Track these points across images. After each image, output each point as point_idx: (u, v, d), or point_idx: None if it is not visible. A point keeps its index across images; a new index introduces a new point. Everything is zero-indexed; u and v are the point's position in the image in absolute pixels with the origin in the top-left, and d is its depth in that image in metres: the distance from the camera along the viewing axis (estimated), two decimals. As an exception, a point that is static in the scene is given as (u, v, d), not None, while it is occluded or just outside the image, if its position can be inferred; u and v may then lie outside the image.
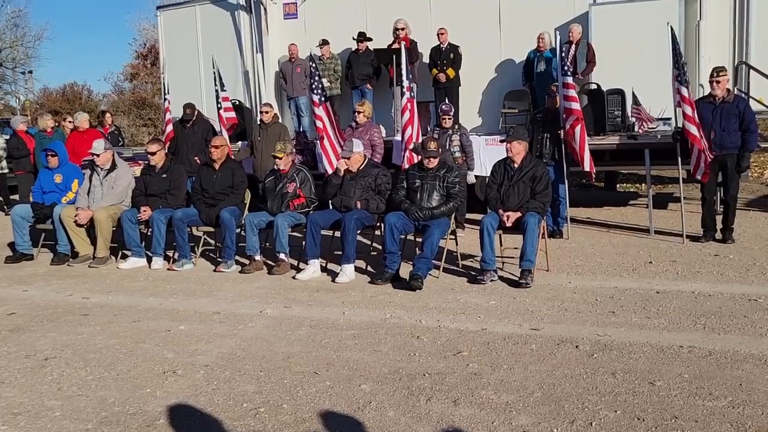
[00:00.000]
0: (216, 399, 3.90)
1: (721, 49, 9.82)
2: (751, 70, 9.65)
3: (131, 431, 3.52)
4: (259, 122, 10.09)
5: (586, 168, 8.13)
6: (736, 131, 7.54)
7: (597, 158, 8.46)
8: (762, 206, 10.40)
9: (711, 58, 9.45)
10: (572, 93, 8.00)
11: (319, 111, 8.98)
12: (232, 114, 10.41)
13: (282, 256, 7.15)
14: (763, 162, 13.26)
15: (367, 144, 8.29)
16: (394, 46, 10.28)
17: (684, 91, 7.57)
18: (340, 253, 6.89)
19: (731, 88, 8.38)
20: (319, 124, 9.04)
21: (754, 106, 8.75)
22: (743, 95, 8.88)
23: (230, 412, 3.72)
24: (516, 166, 6.78)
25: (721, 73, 7.66)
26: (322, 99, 8.94)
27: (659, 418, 3.46)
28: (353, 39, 10.95)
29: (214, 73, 10.26)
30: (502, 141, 7.68)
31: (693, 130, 7.43)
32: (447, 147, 8.37)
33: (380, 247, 6.96)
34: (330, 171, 8.59)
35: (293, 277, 6.88)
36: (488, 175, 7.33)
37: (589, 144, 8.21)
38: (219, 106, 10.05)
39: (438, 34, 10.39)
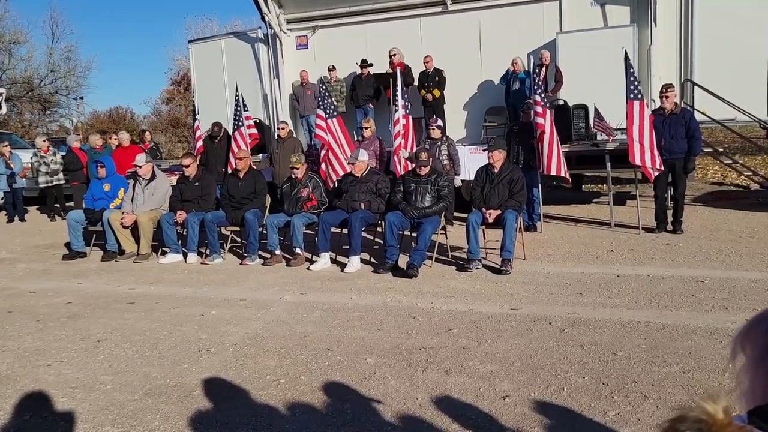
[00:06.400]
0: (243, 372, 3.91)
1: (669, 68, 9.78)
2: (695, 86, 9.63)
3: (171, 401, 3.53)
4: (276, 137, 10.08)
5: (552, 173, 8.03)
6: (683, 138, 7.52)
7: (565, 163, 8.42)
8: (706, 202, 10.35)
9: (661, 77, 9.40)
10: (539, 109, 7.93)
11: (323, 124, 8.75)
12: (254, 131, 10.36)
13: (298, 250, 7.13)
14: (707, 164, 13.21)
15: (372, 154, 8.24)
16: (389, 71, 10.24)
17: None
18: (348, 247, 6.88)
19: (678, 101, 8.35)
20: (322, 134, 8.78)
21: (698, 116, 8.73)
22: (688, 108, 8.83)
23: (255, 383, 3.73)
24: (496, 171, 6.76)
25: (669, 89, 7.65)
26: (334, 114, 8.82)
27: (621, 382, 3.46)
28: (357, 65, 10.91)
29: (238, 96, 10.20)
30: (484, 150, 7.64)
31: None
32: (436, 156, 8.32)
33: (381, 242, 6.93)
34: (335, 177, 8.47)
35: (308, 269, 6.85)
36: (472, 179, 7.30)
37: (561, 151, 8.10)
38: (241, 124, 9.98)
39: (424, 62, 10.32)
